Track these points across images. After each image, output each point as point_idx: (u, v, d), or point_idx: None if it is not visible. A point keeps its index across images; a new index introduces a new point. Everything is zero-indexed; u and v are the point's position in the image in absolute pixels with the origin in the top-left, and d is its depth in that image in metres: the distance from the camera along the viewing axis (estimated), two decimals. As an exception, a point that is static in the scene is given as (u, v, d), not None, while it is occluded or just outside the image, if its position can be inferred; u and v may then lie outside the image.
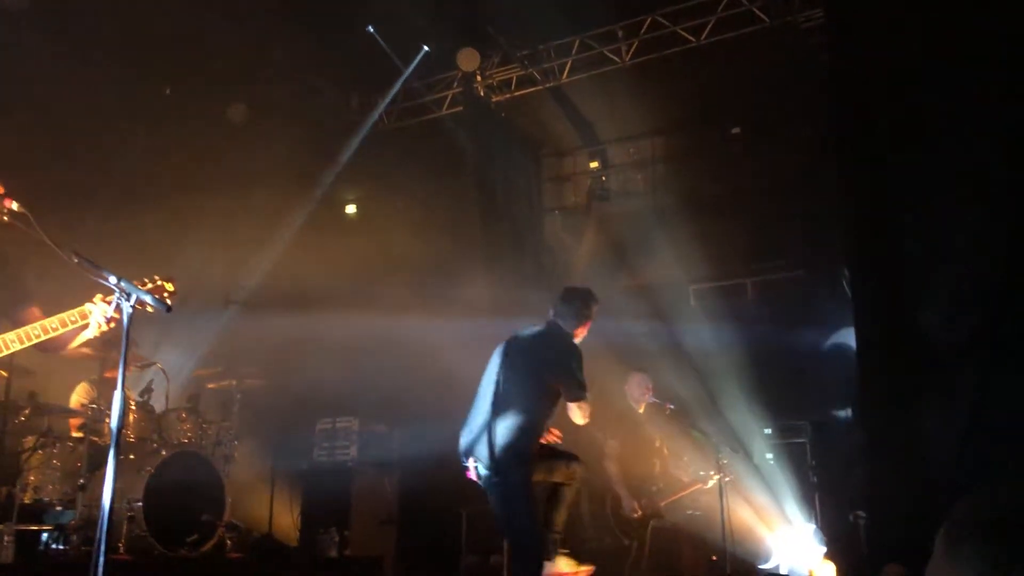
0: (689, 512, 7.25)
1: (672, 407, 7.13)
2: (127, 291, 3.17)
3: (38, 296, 3.78)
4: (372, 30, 9.23)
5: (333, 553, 7.49)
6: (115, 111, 8.57)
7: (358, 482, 8.04)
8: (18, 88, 7.44)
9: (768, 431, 7.97)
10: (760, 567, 7.06)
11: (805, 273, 9.04)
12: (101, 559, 2.96)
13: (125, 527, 5.84)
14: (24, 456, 6.10)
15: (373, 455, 8.16)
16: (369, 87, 10.53)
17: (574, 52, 9.68)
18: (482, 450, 4.69)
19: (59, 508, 6.09)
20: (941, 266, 6.34)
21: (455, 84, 10.34)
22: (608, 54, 9.50)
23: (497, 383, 4.83)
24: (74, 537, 5.72)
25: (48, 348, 3.54)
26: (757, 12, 8.69)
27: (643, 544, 6.90)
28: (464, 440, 4.85)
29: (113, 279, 3.17)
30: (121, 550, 5.77)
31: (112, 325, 3.47)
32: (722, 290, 9.57)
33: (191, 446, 6.77)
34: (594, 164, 10.58)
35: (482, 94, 10.25)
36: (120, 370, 3.22)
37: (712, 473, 6.80)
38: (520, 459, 4.70)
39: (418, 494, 8.07)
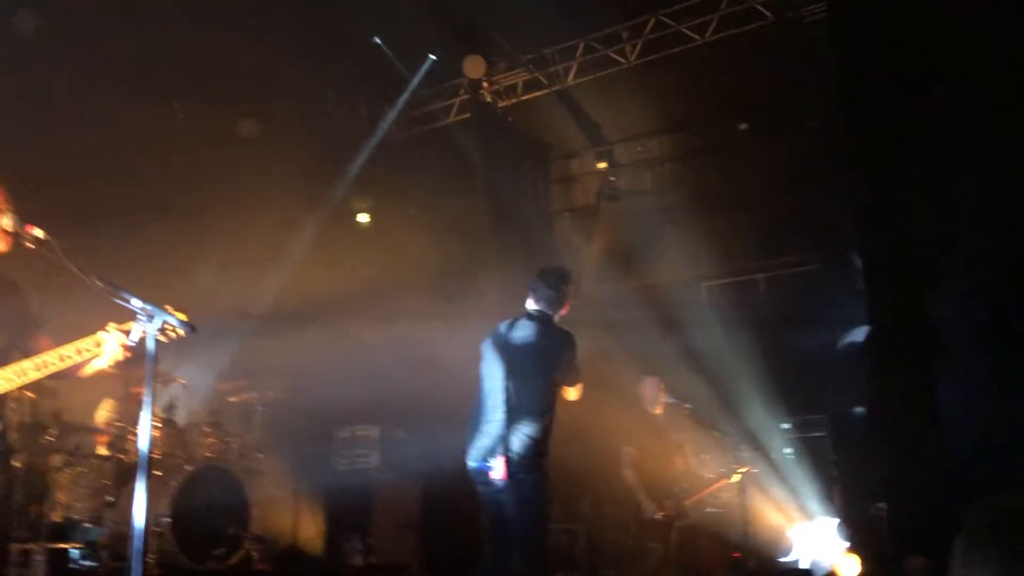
0: (710, 509, 7.28)
1: (689, 407, 7.17)
2: (151, 313, 3.23)
3: (50, 323, 3.84)
4: (379, 41, 9.29)
5: (358, 561, 7.56)
6: (125, 129, 8.65)
7: (380, 489, 8.10)
8: (28, 109, 7.53)
9: (786, 426, 7.99)
10: (782, 561, 7.09)
11: (817, 267, 9.04)
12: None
13: (153, 542, 5.92)
14: (52, 475, 6.18)
15: (394, 462, 8.21)
16: (377, 97, 10.60)
17: (579, 54, 9.71)
18: (510, 446, 4.65)
19: (88, 525, 6.17)
20: (954, 256, 6.35)
21: (462, 91, 10.39)
22: (613, 55, 9.53)
23: (507, 382, 4.77)
24: (104, 554, 5.81)
25: (61, 377, 3.58)
26: (760, 8, 8.70)
27: (668, 546, 6.93)
28: (482, 442, 4.80)
29: (137, 302, 3.23)
30: (150, 565, 5.85)
31: (127, 355, 3.52)
32: (734, 287, 9.59)
33: (215, 460, 6.85)
34: (602, 165, 10.60)
35: (489, 100, 10.29)
36: (147, 390, 3.28)
37: (735, 467, 6.83)
38: (543, 453, 4.76)
39: (441, 499, 8.13)
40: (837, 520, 7.15)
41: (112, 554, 5.79)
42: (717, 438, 6.81)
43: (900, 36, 6.77)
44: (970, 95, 6.35)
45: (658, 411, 7.52)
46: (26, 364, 3.41)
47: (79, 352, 3.45)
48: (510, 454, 4.63)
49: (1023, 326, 5.89)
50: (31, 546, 5.47)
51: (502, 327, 5.04)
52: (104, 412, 6.99)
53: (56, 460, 6.24)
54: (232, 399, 7.63)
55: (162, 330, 3.28)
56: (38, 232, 3.42)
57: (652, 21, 9.19)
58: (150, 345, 3.31)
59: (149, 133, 8.89)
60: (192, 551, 6.06)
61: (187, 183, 9.23)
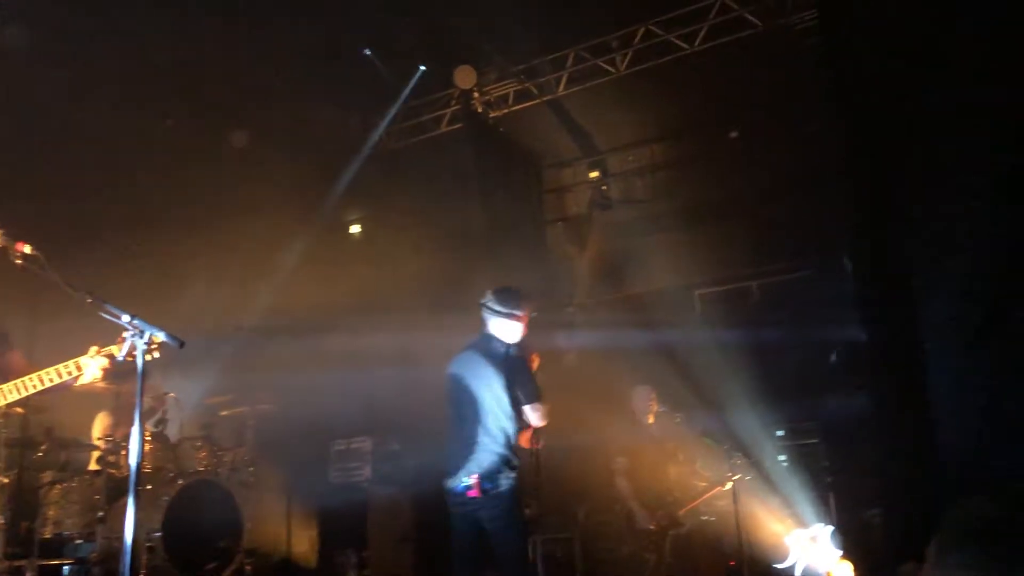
0: (704, 517, 7.28)
1: (680, 416, 7.18)
2: (141, 329, 3.22)
3: (41, 339, 3.86)
4: (369, 52, 9.30)
5: (352, 574, 7.52)
6: (116, 142, 8.65)
7: (374, 502, 8.07)
8: (18, 122, 7.52)
9: (780, 433, 7.99)
10: (776, 567, 7.07)
11: (810, 273, 9.05)
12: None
13: (145, 557, 5.88)
14: (43, 491, 6.16)
15: (388, 474, 8.19)
16: (368, 108, 10.60)
17: (569, 64, 9.73)
18: (480, 466, 4.85)
19: (79, 541, 6.14)
20: (946, 259, 6.35)
21: (453, 102, 10.41)
22: (603, 65, 9.56)
23: (476, 406, 4.98)
24: (95, 570, 5.77)
25: (43, 394, 3.60)
26: (749, 17, 8.74)
27: (662, 555, 6.92)
28: (455, 463, 4.97)
29: (126, 317, 3.23)
30: (142, 581, 5.82)
31: (104, 380, 3.55)
32: (727, 294, 9.60)
33: (207, 474, 6.82)
34: (594, 174, 10.64)
35: (480, 110, 10.31)
36: (137, 405, 3.27)
37: (729, 474, 6.83)
38: (513, 468, 4.95)
39: (435, 511, 8.07)
40: (831, 527, 7.14)
41: (103, 570, 5.76)
42: (709, 446, 6.81)
43: (891, 42, 6.79)
44: (962, 101, 6.36)
45: (650, 420, 7.53)
46: (7, 386, 3.43)
47: (59, 375, 3.48)
48: (481, 472, 4.82)
49: (1014, 329, 5.89)
50: (21, 563, 5.44)
51: (462, 352, 5.24)
52: (99, 425, 6.96)
53: (47, 476, 6.22)
54: (224, 412, 7.61)
55: (149, 346, 3.28)
56: (27, 249, 3.42)
57: (642, 30, 9.22)
58: (140, 359, 3.30)
59: (139, 146, 8.89)
60: (184, 566, 6.02)
61: (178, 196, 9.24)
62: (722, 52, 8.93)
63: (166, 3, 7.90)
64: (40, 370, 3.58)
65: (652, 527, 6.97)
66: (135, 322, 3.23)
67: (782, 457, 7.84)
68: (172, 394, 7.07)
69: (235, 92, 9.13)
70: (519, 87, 10.12)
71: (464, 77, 9.80)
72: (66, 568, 5.91)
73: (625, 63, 9.43)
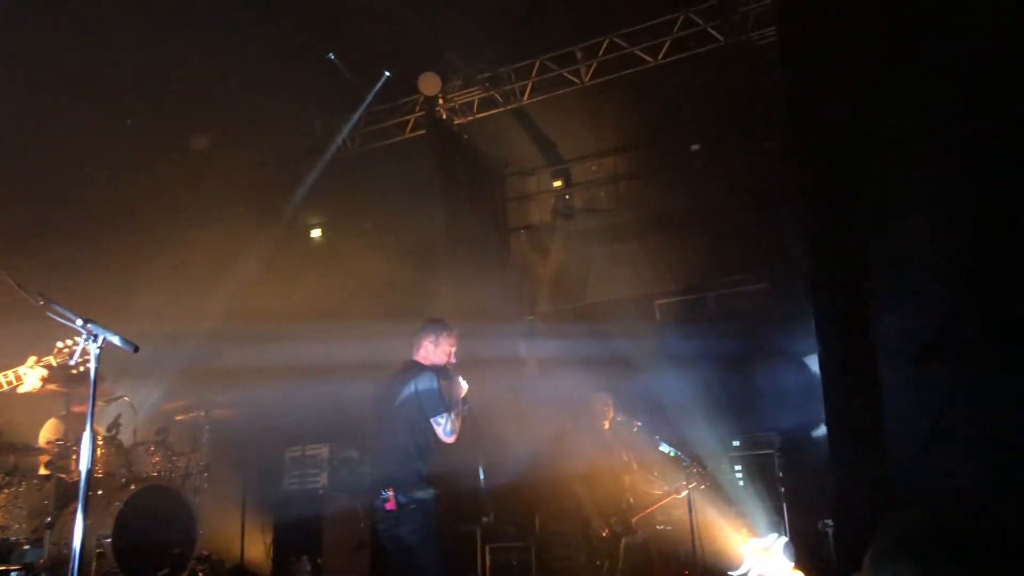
0: (660, 526, 7.32)
1: (639, 424, 7.22)
2: (94, 332, 3.18)
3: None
4: (333, 57, 9.26)
5: (307, 581, 7.47)
6: (74, 143, 8.52)
7: (330, 509, 8.00)
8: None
9: (736, 443, 8.07)
10: (730, 574, 7.13)
11: (768, 286, 9.17)
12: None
13: (95, 564, 5.79)
14: (-11, 496, 6.04)
15: (344, 481, 8.13)
16: (332, 113, 10.57)
17: (534, 74, 9.79)
18: (396, 480, 5.13)
19: (27, 547, 6.03)
20: (899, 277, 6.47)
21: (417, 108, 10.41)
22: (568, 75, 9.63)
23: (394, 422, 5.29)
24: (43, 576, 5.67)
25: None
26: (712, 31, 8.86)
27: (615, 562, 6.95)
28: (377, 475, 5.32)
29: (79, 321, 3.18)
30: (91, 588, 5.73)
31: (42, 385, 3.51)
32: (686, 304, 9.68)
33: (160, 479, 6.74)
34: (558, 183, 10.70)
35: (444, 117, 10.33)
36: (89, 409, 3.23)
37: (684, 483, 6.89)
38: (427, 482, 5.24)
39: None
40: (785, 537, 7.22)
41: (51, 576, 5.65)
42: (666, 454, 6.85)
43: (849, 60, 6.91)
44: (917, 121, 6.49)
45: (606, 427, 7.57)
46: None
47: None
48: (398, 486, 5.10)
49: (965, 344, 6.02)
50: (-34, 569, 5.32)
51: (390, 378, 5.57)
52: (48, 432, 6.84)
53: (-6, 480, 6.10)
54: (179, 417, 7.51)
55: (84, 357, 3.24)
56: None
57: (606, 42, 9.31)
58: (93, 363, 3.26)
59: (97, 146, 8.77)
60: (135, 572, 5.94)
61: (136, 199, 9.13)
62: (685, 66, 9.05)
63: (127, 2, 7.80)
64: None
65: (604, 533, 7.00)
66: (88, 325, 3.19)
67: (737, 467, 7.92)
68: (126, 397, 6.97)
69: (197, 94, 9.05)
70: (484, 95, 10.15)
71: (429, 84, 9.80)
72: (13, 574, 5.79)
73: (589, 74, 9.51)
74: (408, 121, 10.58)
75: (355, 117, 10.39)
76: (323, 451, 8.18)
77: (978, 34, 6.22)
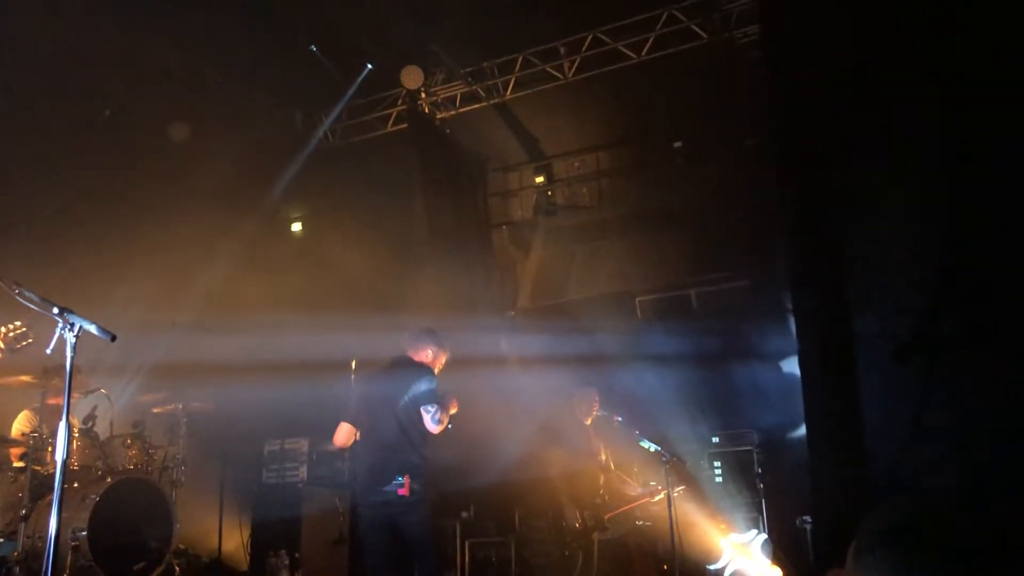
0: (639, 523, 7.34)
1: (620, 419, 7.23)
2: (70, 321, 3.14)
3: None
4: (315, 49, 9.20)
5: (284, 575, 7.41)
6: (52, 131, 8.42)
7: (308, 503, 7.96)
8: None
9: (715, 440, 8.10)
10: (709, 568, 7.16)
11: (749, 283, 9.20)
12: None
13: (70, 557, 5.73)
14: (-37, 488, 5.96)
15: (323, 475, 8.09)
16: (313, 105, 10.50)
17: (517, 69, 9.77)
18: (407, 469, 5.31)
19: (0, 540, 5.95)
20: (877, 276, 6.51)
21: (399, 102, 10.37)
22: (551, 71, 9.62)
23: (398, 415, 5.42)
24: (16, 569, 5.60)
25: None
26: (695, 29, 8.87)
27: (589, 555, 6.97)
28: (385, 462, 5.39)
29: (56, 309, 3.14)
30: (66, 581, 5.66)
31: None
32: (667, 301, 9.70)
33: (137, 472, 6.68)
34: (540, 179, 10.68)
35: (427, 111, 10.29)
36: (65, 399, 3.19)
37: (659, 487, 6.93)
38: (424, 473, 5.45)
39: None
40: (763, 533, 7.26)
41: (25, 570, 5.59)
42: (646, 450, 6.86)
43: (831, 59, 6.94)
44: (899, 119, 6.53)
45: (588, 422, 7.59)
46: None
47: None
48: (411, 473, 5.30)
49: (942, 343, 6.07)
50: (-61, 562, 5.25)
51: (383, 371, 5.83)
52: (21, 423, 6.77)
53: (-33, 472, 6.02)
54: (156, 410, 7.44)
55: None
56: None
57: (590, 38, 9.30)
58: (69, 352, 3.22)
59: (77, 137, 8.67)
60: (111, 566, 5.88)
61: (114, 189, 9.03)
62: (668, 63, 9.06)
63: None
64: None
65: (578, 525, 7.02)
66: (65, 314, 3.14)
67: (717, 463, 7.95)
68: (103, 390, 6.90)
69: (176, 85, 8.97)
70: (466, 89, 10.11)
71: (411, 77, 9.76)
72: (-15, 567, 5.73)
73: (573, 70, 9.50)
74: (390, 115, 10.53)
75: (337, 110, 10.34)
76: (303, 445, 8.13)
77: (959, 34, 6.27)
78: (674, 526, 6.50)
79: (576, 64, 9.48)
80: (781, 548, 7.17)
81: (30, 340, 4.59)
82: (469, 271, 10.03)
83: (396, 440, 5.38)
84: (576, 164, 10.74)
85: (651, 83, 9.30)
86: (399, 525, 5.34)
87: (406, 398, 5.42)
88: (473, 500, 8.31)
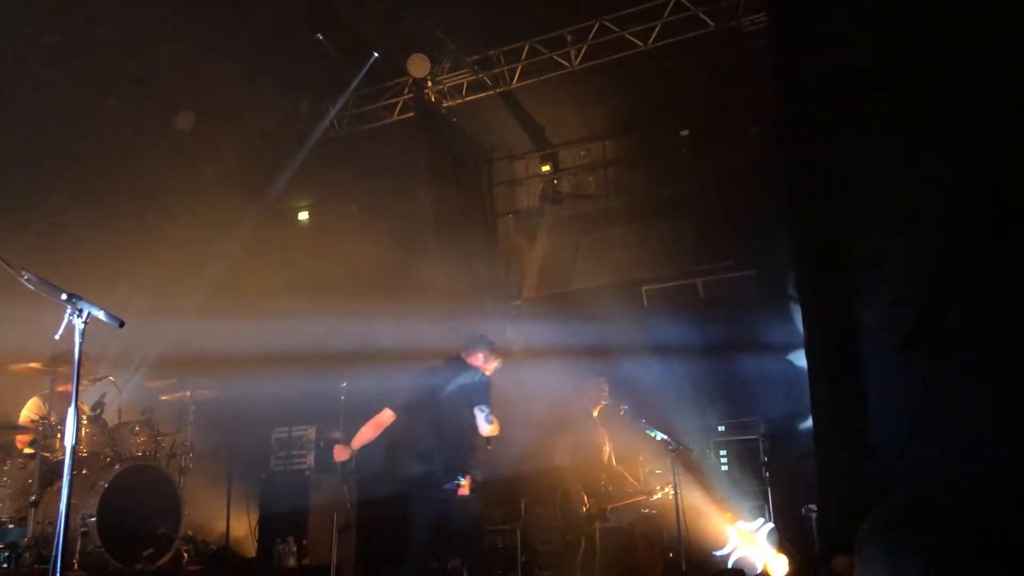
0: (645, 510, 7.36)
1: (626, 408, 7.24)
2: (79, 307, 3.16)
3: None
4: (321, 37, 9.19)
5: (292, 563, 7.46)
6: (59, 121, 8.45)
7: (316, 490, 8.00)
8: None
9: (721, 428, 8.11)
10: (715, 555, 7.19)
11: (755, 272, 9.18)
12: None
13: (79, 543, 5.78)
14: (-28, 475, 6.00)
15: (331, 463, 8.12)
16: (319, 94, 10.49)
17: (524, 57, 9.74)
18: (465, 468, 5.56)
19: (11, 526, 6.01)
20: (882, 265, 6.49)
21: (405, 90, 10.34)
22: (557, 59, 9.59)
23: (452, 417, 5.67)
24: (26, 555, 5.65)
25: None
26: (703, 16, 8.84)
27: (591, 542, 7.01)
28: (447, 464, 5.60)
29: (64, 296, 3.16)
30: (76, 567, 5.70)
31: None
32: (673, 290, 9.67)
33: (145, 459, 6.72)
34: (546, 167, 10.66)
35: (433, 100, 10.26)
36: (74, 385, 3.21)
37: (658, 487, 6.98)
38: (476, 471, 5.69)
39: (376, 501, 8.08)
40: (769, 523, 7.28)
41: (35, 555, 5.64)
42: (652, 438, 6.88)
43: (839, 47, 6.91)
44: (907, 109, 6.50)
45: (595, 413, 7.61)
46: None
47: None
48: (473, 474, 5.56)
49: (944, 334, 6.07)
50: (-51, 547, 5.29)
51: (438, 366, 6.05)
52: (30, 410, 6.81)
53: (-23, 459, 6.07)
54: (164, 397, 7.48)
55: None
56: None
57: (596, 26, 9.26)
58: (77, 338, 3.24)
59: (83, 126, 8.70)
60: (120, 552, 5.93)
61: (122, 178, 9.06)
62: (675, 51, 9.02)
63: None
64: None
65: (584, 509, 7.06)
66: (73, 300, 3.16)
67: (722, 452, 7.97)
68: (110, 377, 6.93)
69: (183, 74, 8.97)
70: (472, 78, 10.09)
71: (417, 66, 9.75)
72: (-4, 553, 5.77)
73: (579, 58, 9.47)
74: (396, 103, 10.51)
75: (343, 99, 10.31)
76: (310, 432, 8.16)
77: (971, 32, 6.24)
78: (680, 514, 6.52)
79: (582, 52, 9.45)
80: (786, 536, 7.19)
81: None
82: (475, 260, 10.03)
83: (452, 437, 5.63)
84: (582, 153, 10.71)
85: (658, 71, 9.26)
86: (451, 518, 5.64)
87: (457, 397, 5.67)
88: (480, 488, 8.33)
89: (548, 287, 10.45)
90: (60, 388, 6.48)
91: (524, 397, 8.11)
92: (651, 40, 9.05)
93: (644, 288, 9.80)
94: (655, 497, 7.11)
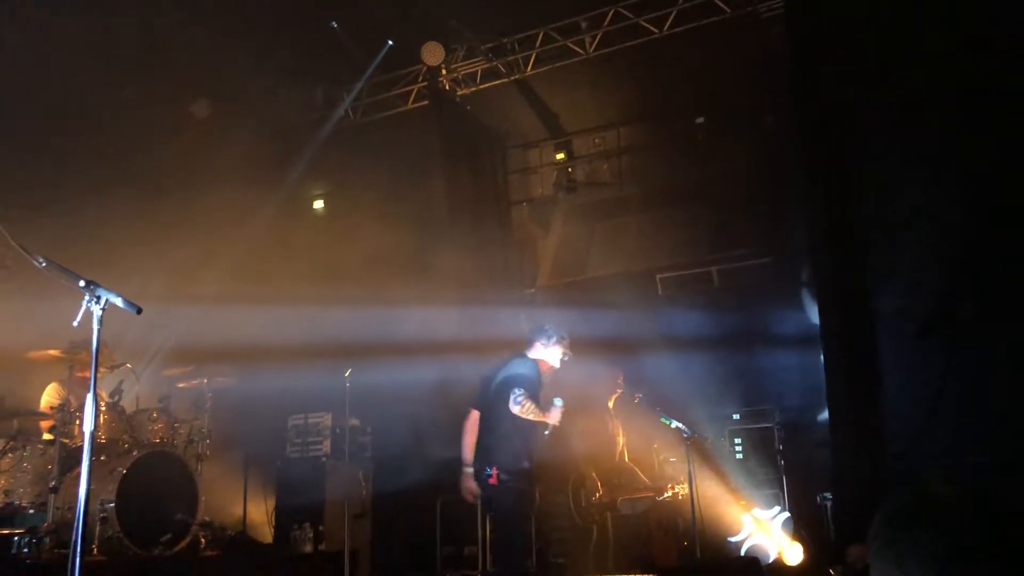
0: (659, 498, 7.37)
1: (640, 396, 7.25)
2: (96, 294, 3.18)
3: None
4: (336, 26, 9.19)
5: (308, 548, 7.52)
6: (76, 110, 8.49)
7: (332, 477, 8.05)
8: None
9: (736, 416, 8.10)
10: (730, 540, 7.20)
11: (770, 260, 9.15)
12: (77, 561, 2.98)
13: (98, 528, 5.84)
14: (-7, 460, 6.07)
15: (347, 449, 8.17)
16: (334, 83, 10.50)
17: (538, 44, 9.71)
18: (495, 459, 5.59)
19: (31, 511, 6.07)
20: (898, 254, 6.47)
21: (420, 78, 10.33)
22: (572, 46, 9.55)
23: (495, 406, 5.70)
24: (47, 540, 5.70)
25: None
26: (718, 3, 8.77)
27: (604, 529, 7.02)
28: (480, 454, 5.71)
29: (82, 282, 3.18)
30: (95, 552, 5.77)
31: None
32: (688, 278, 9.65)
33: (163, 445, 6.77)
34: (560, 155, 10.65)
35: (447, 88, 10.25)
36: (92, 371, 3.24)
37: (669, 485, 6.98)
38: (519, 466, 5.69)
39: (392, 487, 8.13)
40: (784, 511, 7.27)
41: (55, 540, 5.70)
42: (667, 426, 6.88)
43: (855, 34, 6.86)
44: (921, 96, 6.46)
45: (609, 404, 7.61)
46: None
47: None
48: (499, 465, 5.55)
49: (961, 319, 6.04)
50: (-29, 532, 5.36)
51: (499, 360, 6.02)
52: (50, 396, 6.87)
53: (-2, 444, 6.13)
54: (182, 384, 7.53)
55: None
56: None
57: (611, 12, 9.22)
58: (95, 325, 3.26)
59: (101, 114, 8.74)
60: (138, 537, 5.99)
61: (137, 168, 9.10)
62: (690, 38, 8.97)
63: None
64: None
65: (597, 495, 7.09)
66: (91, 287, 3.18)
67: (737, 440, 7.95)
68: (128, 365, 6.99)
69: (199, 62, 8.99)
70: (487, 65, 10.07)
71: (432, 54, 9.74)
72: (16, 538, 5.82)
73: (594, 45, 9.43)
74: (411, 92, 10.51)
75: (357, 87, 10.32)
76: (326, 419, 8.20)
77: (984, 20, 6.18)
78: (695, 503, 6.52)
79: (597, 39, 9.41)
80: (801, 524, 7.18)
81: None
82: (489, 248, 10.04)
83: (493, 425, 5.69)
84: (597, 140, 10.68)
85: (673, 58, 9.22)
86: (491, 508, 5.91)
87: (500, 386, 5.69)
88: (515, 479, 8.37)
89: (562, 275, 10.44)
90: (79, 374, 6.53)
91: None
92: (666, 27, 9.00)
93: (659, 276, 9.78)
94: (664, 496, 7.14)
